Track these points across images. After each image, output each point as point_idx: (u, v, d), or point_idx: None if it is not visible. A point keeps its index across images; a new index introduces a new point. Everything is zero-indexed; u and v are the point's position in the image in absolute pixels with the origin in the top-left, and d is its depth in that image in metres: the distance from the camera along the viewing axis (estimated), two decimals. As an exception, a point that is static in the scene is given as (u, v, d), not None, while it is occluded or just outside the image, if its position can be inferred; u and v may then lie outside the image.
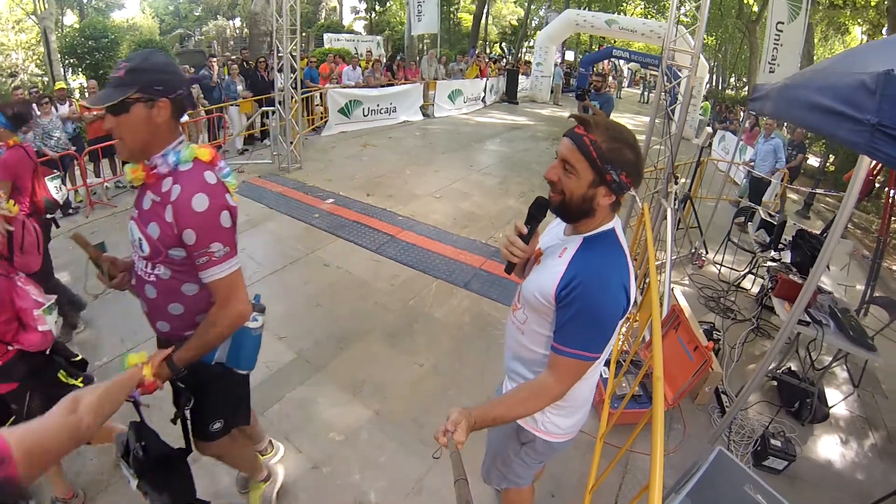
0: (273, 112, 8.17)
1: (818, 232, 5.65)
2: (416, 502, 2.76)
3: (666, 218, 4.63)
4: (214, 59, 9.41)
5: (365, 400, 3.45)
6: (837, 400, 4.15)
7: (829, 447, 3.67)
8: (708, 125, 13.67)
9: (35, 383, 2.25)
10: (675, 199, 5.12)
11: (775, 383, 4.03)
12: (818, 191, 9.44)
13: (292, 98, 7.77)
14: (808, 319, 3.68)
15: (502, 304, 4.70)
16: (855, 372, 4.46)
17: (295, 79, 7.70)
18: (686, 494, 2.63)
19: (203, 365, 1.83)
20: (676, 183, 5.11)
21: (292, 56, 7.50)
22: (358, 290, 4.82)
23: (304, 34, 21.51)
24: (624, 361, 3.37)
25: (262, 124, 9.65)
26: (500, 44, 33.79)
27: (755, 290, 5.59)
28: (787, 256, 5.02)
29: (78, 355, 2.54)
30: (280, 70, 7.60)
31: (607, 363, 3.42)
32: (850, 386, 4.39)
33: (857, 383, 4.38)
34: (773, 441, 3.19)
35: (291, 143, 7.96)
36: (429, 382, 3.68)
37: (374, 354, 3.94)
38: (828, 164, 12.17)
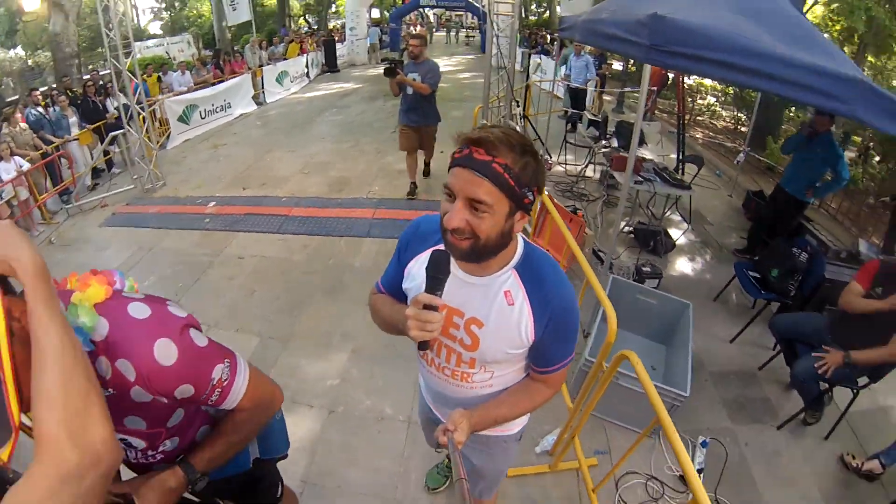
0: (122, 135, 7.81)
1: (632, 121, 7.12)
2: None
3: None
4: (37, 92, 8.51)
5: (339, 346, 4.00)
6: (678, 235, 5.52)
7: (682, 265, 5.07)
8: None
9: None
10: (520, 119, 6.09)
11: (633, 235, 5.27)
12: (626, 89, 11.27)
13: (140, 116, 7.53)
14: (641, 179, 4.88)
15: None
16: (686, 215, 5.90)
17: (138, 95, 7.46)
18: (600, 320, 3.60)
19: (238, 475, 1.60)
20: (519, 105, 6.06)
21: (131, 72, 7.23)
22: (280, 267, 5.23)
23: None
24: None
25: (104, 153, 9.05)
26: (304, 16, 33.04)
27: (597, 176, 6.89)
28: (614, 142, 6.32)
29: None
30: (122, 90, 7.26)
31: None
32: (685, 224, 5.80)
33: (689, 220, 5.79)
34: (644, 269, 4.33)
35: (150, 161, 7.72)
36: (380, 315, 4.34)
37: (324, 311, 4.46)
38: (629, 66, 14.19)
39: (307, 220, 6.19)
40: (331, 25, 26.17)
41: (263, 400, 1.38)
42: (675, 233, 5.54)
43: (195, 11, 25.04)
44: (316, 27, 26.92)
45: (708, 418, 3.41)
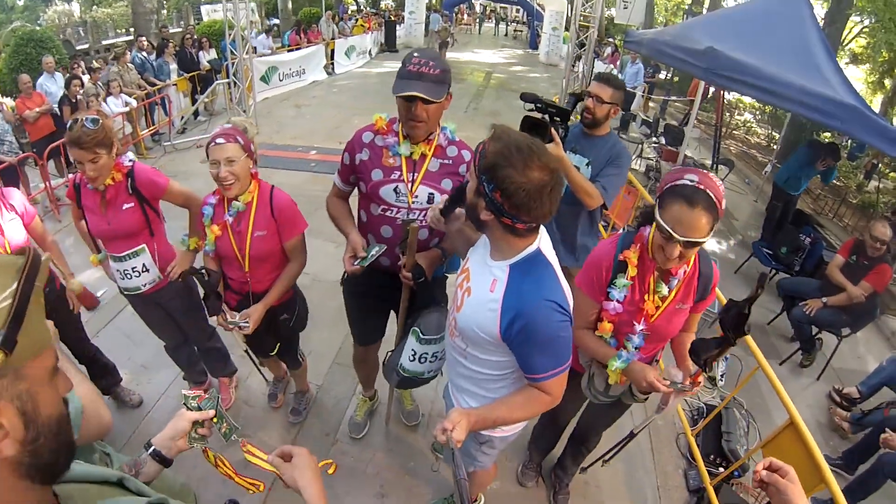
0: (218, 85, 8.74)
1: (676, 124, 8.24)
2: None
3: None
4: (144, 39, 9.56)
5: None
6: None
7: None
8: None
9: None
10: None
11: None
12: (671, 98, 12.40)
13: (245, 67, 8.48)
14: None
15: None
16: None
17: (247, 49, 8.42)
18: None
19: (434, 281, 2.26)
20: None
21: (242, 29, 8.15)
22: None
23: (182, 9, 20.65)
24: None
25: (194, 101, 9.90)
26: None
27: (642, 169, 7.90)
28: (662, 140, 7.41)
29: None
30: (233, 43, 8.21)
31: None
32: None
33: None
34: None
35: (244, 112, 8.66)
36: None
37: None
38: (672, 77, 15.12)
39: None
40: (383, 6, 27.05)
41: None
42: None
43: (251, -22, 25.80)
44: (373, 9, 27.71)
45: (725, 348, 4.48)
